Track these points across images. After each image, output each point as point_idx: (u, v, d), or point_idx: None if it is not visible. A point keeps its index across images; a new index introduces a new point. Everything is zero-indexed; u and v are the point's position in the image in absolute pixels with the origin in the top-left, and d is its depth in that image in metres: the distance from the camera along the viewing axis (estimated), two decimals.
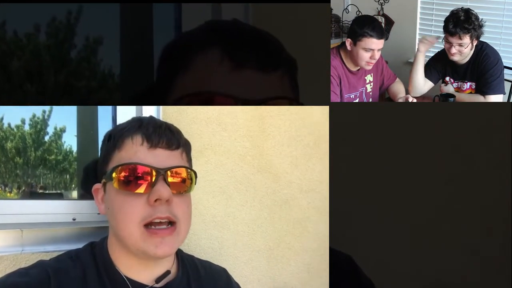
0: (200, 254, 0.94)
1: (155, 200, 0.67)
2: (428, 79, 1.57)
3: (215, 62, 0.68)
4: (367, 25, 1.43)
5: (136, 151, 0.70)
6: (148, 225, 0.68)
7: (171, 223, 0.69)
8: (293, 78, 0.75)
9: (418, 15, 2.01)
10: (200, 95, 0.68)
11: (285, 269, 1.18)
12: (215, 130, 1.08)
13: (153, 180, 0.68)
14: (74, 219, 0.92)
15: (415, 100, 1.53)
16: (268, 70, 0.69)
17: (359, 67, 1.52)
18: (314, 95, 1.39)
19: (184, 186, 0.72)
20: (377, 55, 1.47)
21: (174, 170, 0.70)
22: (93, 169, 0.92)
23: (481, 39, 1.48)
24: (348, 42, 1.46)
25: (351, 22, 1.94)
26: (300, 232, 1.21)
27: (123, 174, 0.69)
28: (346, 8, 2.01)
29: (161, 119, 0.94)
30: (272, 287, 1.16)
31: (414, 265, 1.44)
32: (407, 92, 1.60)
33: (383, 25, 1.99)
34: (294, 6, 1.39)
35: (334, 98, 1.45)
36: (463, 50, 1.47)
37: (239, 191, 1.12)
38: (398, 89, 1.63)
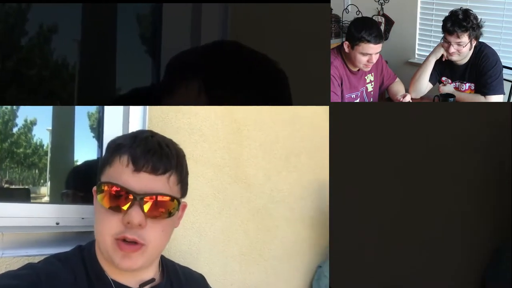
0: (180, 259, 1.00)
1: (127, 222, 0.70)
2: (429, 80, 1.58)
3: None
4: (365, 30, 1.43)
5: (121, 173, 0.73)
6: (118, 238, 0.71)
7: (142, 244, 0.72)
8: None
9: (418, 15, 2.02)
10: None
11: (256, 273, 1.25)
12: (197, 140, 1.12)
13: (129, 204, 0.71)
14: (57, 223, 0.92)
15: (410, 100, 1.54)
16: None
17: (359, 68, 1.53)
18: (314, 95, 1.40)
19: (163, 213, 0.73)
20: (375, 58, 1.48)
21: (152, 197, 0.72)
22: (82, 171, 0.98)
23: (481, 39, 1.48)
24: (345, 45, 1.47)
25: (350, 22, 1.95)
26: (270, 240, 1.28)
27: (106, 191, 0.72)
28: (346, 8, 2.01)
29: (146, 127, 0.99)
30: None
31: (414, 269, 1.45)
32: (407, 92, 1.60)
33: (383, 25, 1.99)
34: (294, 6, 1.39)
35: (335, 98, 1.45)
36: (461, 50, 1.47)
37: (217, 199, 1.16)
38: (398, 89, 1.63)
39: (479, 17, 1.45)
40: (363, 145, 1.35)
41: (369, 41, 1.43)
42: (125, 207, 0.71)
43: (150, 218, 0.72)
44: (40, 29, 1.42)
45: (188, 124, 1.11)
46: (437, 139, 1.49)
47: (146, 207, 0.71)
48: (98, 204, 0.74)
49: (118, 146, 0.75)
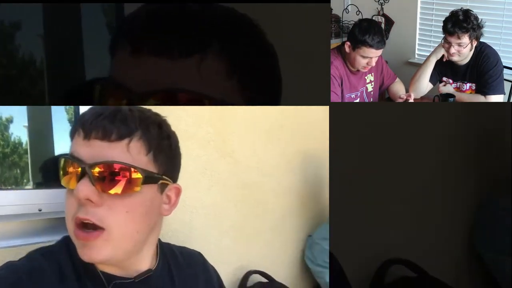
0: (172, 239, 0.95)
1: (78, 199, 0.60)
2: (429, 80, 1.58)
3: (118, 50, 0.61)
4: (368, 34, 1.43)
5: (74, 144, 0.62)
6: (79, 224, 0.60)
7: (98, 227, 0.60)
8: (230, 65, 0.60)
9: (418, 15, 2.01)
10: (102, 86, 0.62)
11: (250, 247, 1.27)
12: (180, 115, 1.09)
13: (76, 176, 0.60)
14: (40, 210, 0.85)
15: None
16: (168, 56, 0.57)
17: None
18: (314, 95, 1.40)
19: (118, 186, 0.60)
20: (374, 61, 1.48)
21: (103, 166, 0.59)
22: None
23: (481, 39, 1.48)
24: (347, 45, 1.47)
25: (351, 22, 1.95)
26: (261, 213, 1.31)
27: (61, 168, 0.62)
28: (346, 8, 2.01)
29: None
30: (239, 265, 1.23)
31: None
32: (407, 92, 1.60)
33: (383, 25, 1.99)
34: (294, 6, 1.39)
35: (335, 98, 1.45)
36: (462, 50, 1.47)
37: (205, 176, 1.15)
38: (398, 89, 1.63)
39: (479, 17, 1.45)
40: (363, 145, 1.35)
41: (371, 46, 1.44)
42: (73, 183, 0.60)
43: (108, 195, 0.60)
44: (2, 25, 1.37)
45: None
46: (437, 139, 1.49)
47: (97, 178, 0.59)
48: None
49: (77, 123, 0.64)
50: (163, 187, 0.67)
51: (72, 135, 0.64)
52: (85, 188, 0.58)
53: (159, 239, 0.76)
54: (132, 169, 0.61)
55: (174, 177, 0.70)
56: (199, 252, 0.87)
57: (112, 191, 0.60)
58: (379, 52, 1.47)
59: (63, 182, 0.62)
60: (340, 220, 1.23)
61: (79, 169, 0.60)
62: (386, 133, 1.39)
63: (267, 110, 1.34)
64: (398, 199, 1.40)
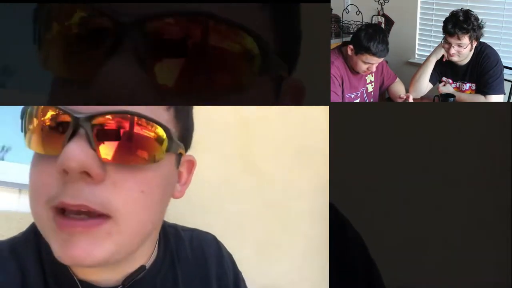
0: None
1: (64, 172, 0.38)
2: (429, 80, 1.58)
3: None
4: (373, 41, 1.43)
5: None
6: (60, 209, 0.40)
7: (99, 214, 0.40)
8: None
9: (418, 15, 2.01)
10: None
11: (273, 264, 1.21)
12: (203, 133, 1.11)
13: (66, 135, 0.39)
14: None
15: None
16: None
17: None
18: (314, 95, 1.40)
19: (137, 151, 0.39)
20: (374, 67, 1.49)
21: (106, 118, 0.38)
22: None
23: (481, 39, 1.48)
24: (349, 48, 1.47)
25: (351, 22, 1.94)
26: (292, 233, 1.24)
27: (33, 124, 0.40)
28: (346, 8, 2.00)
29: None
30: (261, 284, 1.15)
31: (413, 267, 1.44)
32: (407, 92, 1.60)
33: (383, 25, 1.99)
34: (293, 6, 1.39)
35: (335, 98, 1.45)
36: (462, 51, 1.47)
37: (228, 186, 1.14)
38: (399, 89, 1.63)
39: (479, 17, 1.45)
40: (363, 145, 1.35)
41: (374, 54, 1.44)
42: (57, 146, 0.38)
43: (114, 167, 0.39)
44: None
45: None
46: (437, 139, 1.49)
47: (100, 139, 0.38)
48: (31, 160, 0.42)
49: None
50: (178, 159, 0.48)
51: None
52: (81, 153, 0.37)
53: (164, 221, 0.57)
54: (157, 126, 0.41)
55: (187, 147, 0.51)
56: (213, 236, 0.68)
57: (129, 164, 0.39)
58: (380, 59, 1.48)
59: (32, 144, 0.41)
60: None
61: (70, 121, 0.38)
62: (386, 133, 1.39)
63: (298, 129, 1.32)
64: (398, 200, 1.40)
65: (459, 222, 1.53)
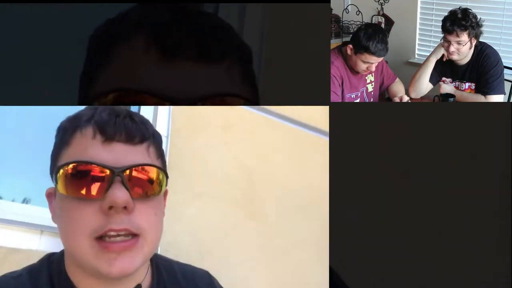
0: None
1: (109, 208, 0.53)
2: (429, 80, 1.58)
3: (139, 51, 0.55)
4: (372, 41, 1.43)
5: (87, 147, 0.55)
6: (101, 238, 0.53)
7: (133, 235, 0.55)
8: (246, 71, 0.61)
9: (418, 15, 2.01)
10: (117, 92, 0.55)
11: None
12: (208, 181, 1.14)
13: (107, 183, 0.53)
14: None
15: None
16: (208, 60, 0.55)
17: None
18: (314, 95, 1.40)
19: (150, 188, 0.57)
20: (374, 67, 1.49)
21: (135, 169, 0.55)
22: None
23: (481, 39, 1.48)
24: (349, 48, 1.47)
25: (351, 22, 1.94)
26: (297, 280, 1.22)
27: (69, 174, 0.54)
28: (346, 8, 2.00)
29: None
30: None
31: (415, 271, 1.44)
32: (407, 92, 1.60)
33: (383, 25, 1.99)
34: (293, 6, 1.39)
35: (335, 98, 1.45)
36: (461, 49, 1.47)
37: (233, 234, 1.14)
38: (398, 89, 1.63)
39: (478, 16, 1.45)
40: (363, 145, 1.35)
41: (373, 53, 1.44)
42: (99, 191, 0.53)
43: (136, 199, 0.55)
44: None
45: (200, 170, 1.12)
46: (437, 139, 1.49)
47: (130, 183, 0.54)
48: (60, 201, 0.56)
49: (76, 120, 0.58)
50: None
51: (69, 139, 0.57)
52: (122, 195, 0.53)
53: (156, 254, 0.70)
54: (160, 171, 0.58)
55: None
56: (206, 271, 0.77)
57: (149, 194, 0.56)
58: (380, 59, 1.48)
59: (68, 191, 0.54)
60: (340, 226, 1.23)
61: (108, 174, 0.53)
62: (386, 133, 1.39)
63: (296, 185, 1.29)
64: (399, 201, 1.40)
65: (459, 222, 1.53)
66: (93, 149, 0.55)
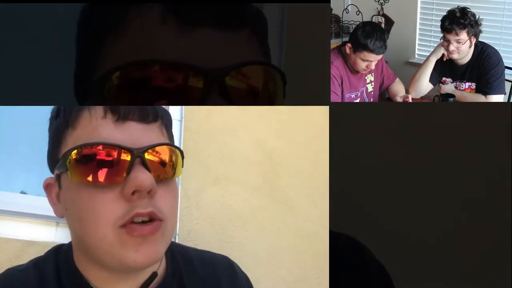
0: None
1: (133, 193, 0.48)
2: (429, 81, 1.58)
3: (155, 21, 0.50)
4: (370, 38, 1.43)
5: (97, 127, 0.50)
6: (124, 226, 0.49)
7: (160, 219, 0.50)
8: (263, 39, 0.57)
9: (418, 15, 2.01)
10: (137, 66, 0.48)
11: None
12: (228, 164, 1.11)
13: (128, 165, 0.48)
14: None
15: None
16: (230, 28, 0.51)
17: None
18: (314, 95, 1.40)
19: (170, 170, 0.52)
20: (373, 65, 1.49)
21: (154, 149, 0.51)
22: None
23: (481, 39, 1.49)
24: (348, 47, 1.47)
25: (351, 22, 1.94)
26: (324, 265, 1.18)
27: (83, 160, 0.48)
28: (346, 8, 2.00)
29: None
30: None
31: (415, 268, 1.44)
32: (407, 92, 1.60)
33: (383, 25, 1.99)
34: (294, 6, 1.38)
35: (335, 98, 1.45)
36: (460, 47, 1.48)
37: (255, 218, 1.11)
38: (398, 89, 1.63)
39: (477, 15, 1.45)
40: (363, 145, 1.35)
41: (372, 51, 1.44)
42: (118, 175, 0.48)
43: (157, 182, 0.50)
44: None
45: (220, 151, 1.09)
46: (437, 139, 1.49)
47: (151, 164, 0.50)
48: (72, 191, 0.50)
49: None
50: None
51: (74, 121, 0.52)
52: (146, 177, 0.48)
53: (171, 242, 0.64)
54: (178, 151, 0.54)
55: None
56: (225, 256, 0.71)
57: (169, 176, 0.52)
58: (379, 57, 1.48)
59: (83, 179, 0.48)
60: (340, 223, 1.23)
61: (128, 156, 0.48)
62: (386, 133, 1.39)
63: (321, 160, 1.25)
64: (398, 200, 1.40)
65: (459, 222, 1.53)
66: (104, 129, 0.50)
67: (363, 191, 1.37)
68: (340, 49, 1.52)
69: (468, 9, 1.45)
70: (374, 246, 0.71)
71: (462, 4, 1.59)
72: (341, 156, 1.28)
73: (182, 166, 0.55)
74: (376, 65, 1.56)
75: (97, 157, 0.48)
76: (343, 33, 1.95)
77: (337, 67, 1.48)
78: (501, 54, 1.53)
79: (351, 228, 1.30)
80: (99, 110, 0.51)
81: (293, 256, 1.15)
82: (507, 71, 1.57)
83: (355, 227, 1.33)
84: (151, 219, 0.49)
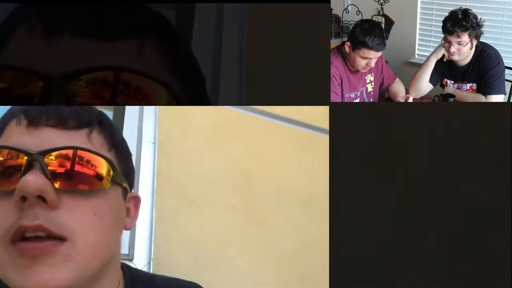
0: None
1: (21, 198, 0.41)
2: (429, 81, 1.58)
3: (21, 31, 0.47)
4: (369, 36, 1.43)
5: (11, 134, 0.46)
6: (14, 237, 0.42)
7: (56, 237, 0.42)
8: (157, 44, 0.51)
9: (418, 15, 2.01)
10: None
11: None
12: (203, 185, 1.11)
13: (21, 170, 0.43)
14: None
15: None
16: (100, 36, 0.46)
17: None
18: (314, 95, 1.40)
19: (89, 180, 0.45)
20: (373, 62, 1.49)
21: (58, 153, 0.44)
22: None
23: (481, 39, 1.49)
24: (347, 45, 1.47)
25: (351, 22, 1.94)
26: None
27: None
28: (346, 8, 2.00)
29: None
30: None
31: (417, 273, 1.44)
32: (407, 92, 1.60)
33: (383, 25, 1.99)
34: (294, 6, 1.38)
35: (335, 98, 1.45)
36: (462, 49, 1.47)
37: (234, 241, 1.11)
38: (398, 89, 1.63)
39: (478, 16, 1.45)
40: (363, 145, 1.34)
41: (371, 48, 1.44)
42: (13, 180, 0.42)
43: (67, 194, 0.43)
44: None
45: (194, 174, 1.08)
46: (437, 139, 1.49)
47: (53, 171, 0.43)
48: None
49: (10, 113, 0.49)
50: (124, 194, 0.52)
51: (5, 126, 0.48)
52: (35, 181, 0.41)
53: (131, 269, 0.59)
54: (102, 159, 0.46)
55: (131, 187, 0.55)
56: (196, 284, 0.64)
57: (82, 187, 0.44)
58: (378, 54, 1.48)
59: None
60: (340, 224, 1.23)
61: (25, 159, 0.43)
62: (386, 133, 1.39)
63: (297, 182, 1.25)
64: (398, 201, 1.39)
65: (459, 222, 1.53)
66: (17, 135, 0.46)
67: (363, 191, 1.36)
68: (339, 49, 1.52)
69: (470, 11, 1.45)
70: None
71: (462, 4, 1.59)
72: (341, 156, 1.28)
73: (112, 179, 0.47)
74: (376, 65, 1.56)
75: (2, 162, 0.44)
76: (343, 33, 1.95)
77: (336, 67, 1.48)
78: (501, 54, 1.53)
79: (350, 227, 1.30)
80: (19, 117, 0.47)
81: (273, 278, 1.15)
82: (507, 71, 1.57)
83: (355, 227, 1.33)
84: (48, 235, 0.41)
